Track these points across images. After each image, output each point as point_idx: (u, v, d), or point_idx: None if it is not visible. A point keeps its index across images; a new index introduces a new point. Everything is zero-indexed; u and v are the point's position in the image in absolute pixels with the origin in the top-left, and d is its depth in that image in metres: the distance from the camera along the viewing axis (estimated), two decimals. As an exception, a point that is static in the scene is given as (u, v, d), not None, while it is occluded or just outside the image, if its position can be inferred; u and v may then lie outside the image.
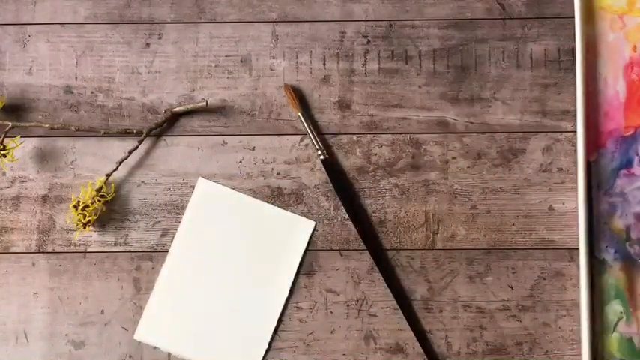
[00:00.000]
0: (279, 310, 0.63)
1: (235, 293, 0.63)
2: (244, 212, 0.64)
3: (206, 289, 0.63)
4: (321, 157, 0.63)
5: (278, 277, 0.63)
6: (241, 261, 0.64)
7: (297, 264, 0.63)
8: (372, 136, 0.65)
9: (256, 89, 0.66)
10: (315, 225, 0.64)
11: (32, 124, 0.64)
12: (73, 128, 0.64)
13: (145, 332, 0.63)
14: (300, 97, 0.65)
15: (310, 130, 0.63)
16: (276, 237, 0.64)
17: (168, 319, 0.63)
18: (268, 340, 0.63)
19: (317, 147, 0.63)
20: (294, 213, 0.64)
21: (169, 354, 0.63)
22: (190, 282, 0.64)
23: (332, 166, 0.64)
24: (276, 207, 0.64)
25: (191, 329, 0.63)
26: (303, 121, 0.63)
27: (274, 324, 0.63)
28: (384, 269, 0.63)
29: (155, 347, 0.63)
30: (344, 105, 0.65)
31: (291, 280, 0.63)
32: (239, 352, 0.62)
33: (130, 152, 0.64)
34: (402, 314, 0.62)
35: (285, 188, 0.65)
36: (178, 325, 0.63)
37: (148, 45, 0.66)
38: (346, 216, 0.64)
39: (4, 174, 0.65)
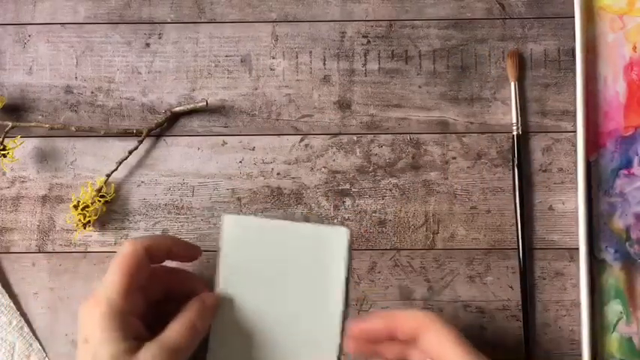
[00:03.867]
0: (339, 324, 0.59)
1: (289, 321, 0.60)
2: (278, 237, 0.60)
3: (259, 323, 0.60)
4: (515, 132, 0.63)
5: (329, 293, 0.60)
6: (288, 288, 0.60)
7: (344, 274, 0.60)
8: (372, 136, 0.65)
9: (256, 89, 0.66)
10: (350, 232, 0.61)
11: (32, 124, 0.64)
12: (73, 128, 0.64)
13: None
14: (520, 65, 0.65)
15: (516, 102, 0.63)
16: (315, 254, 0.60)
17: None
18: (337, 354, 0.59)
19: (515, 121, 0.63)
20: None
21: None
22: (243, 322, 0.60)
23: (520, 145, 0.63)
24: (307, 224, 0.61)
25: None
26: (513, 90, 0.63)
27: (338, 339, 0.59)
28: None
29: None
30: (344, 105, 0.65)
31: (342, 290, 0.60)
32: None
33: (130, 152, 0.64)
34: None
35: (285, 188, 0.65)
36: None
37: (148, 45, 0.66)
38: (346, 216, 0.64)
39: (4, 174, 0.65)
